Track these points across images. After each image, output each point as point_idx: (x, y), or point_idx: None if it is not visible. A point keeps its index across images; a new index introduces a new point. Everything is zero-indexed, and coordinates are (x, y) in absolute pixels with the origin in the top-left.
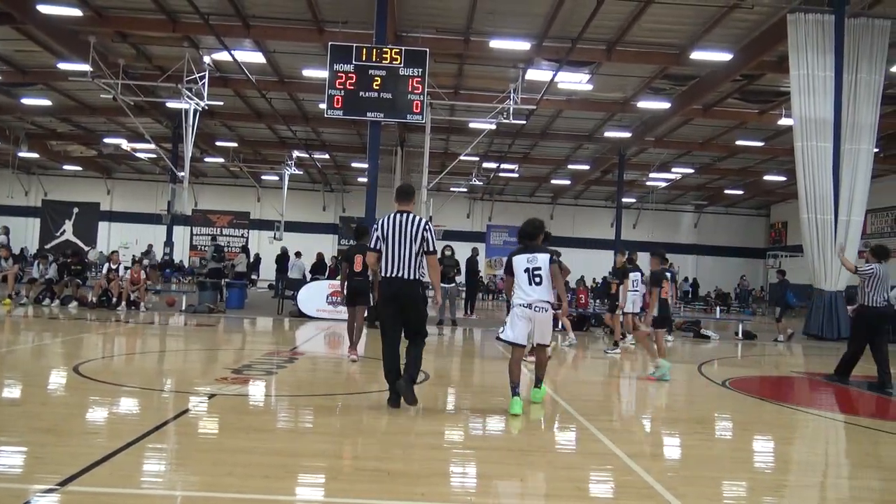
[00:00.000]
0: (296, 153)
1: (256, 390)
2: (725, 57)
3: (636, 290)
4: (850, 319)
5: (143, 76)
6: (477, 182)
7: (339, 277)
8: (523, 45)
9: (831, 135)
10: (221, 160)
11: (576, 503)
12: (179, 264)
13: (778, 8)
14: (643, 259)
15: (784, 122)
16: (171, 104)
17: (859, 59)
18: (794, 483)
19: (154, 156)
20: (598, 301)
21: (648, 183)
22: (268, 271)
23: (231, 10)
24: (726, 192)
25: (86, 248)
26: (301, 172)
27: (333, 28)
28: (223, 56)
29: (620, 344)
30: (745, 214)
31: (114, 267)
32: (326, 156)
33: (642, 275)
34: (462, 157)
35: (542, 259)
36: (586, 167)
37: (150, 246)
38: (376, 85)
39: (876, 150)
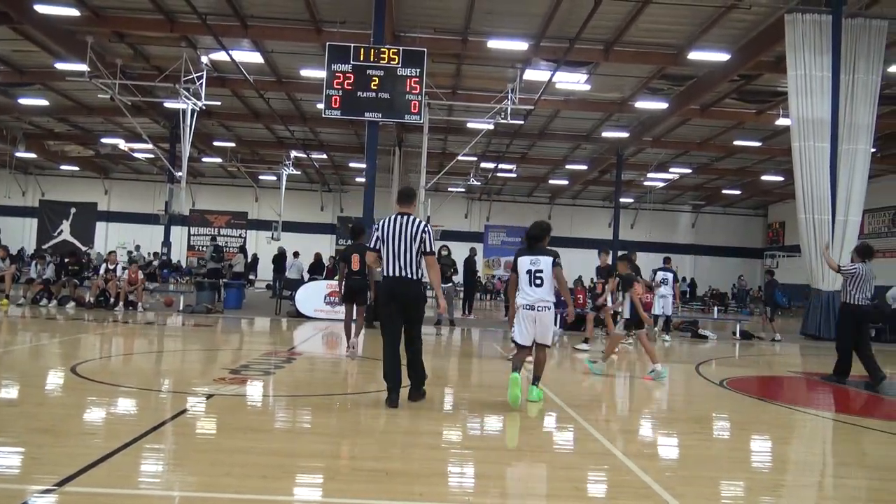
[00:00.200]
0: (293, 153)
1: (254, 390)
2: (723, 57)
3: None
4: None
5: (140, 76)
6: (475, 182)
7: (336, 277)
8: (521, 46)
9: (829, 135)
10: (219, 160)
11: (574, 503)
12: (177, 264)
13: (775, 8)
14: (640, 259)
15: (781, 122)
16: (168, 104)
17: (856, 60)
18: (792, 483)
19: (151, 156)
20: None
21: (646, 183)
22: (265, 271)
23: (229, 10)
24: (724, 192)
25: (84, 248)
26: (299, 172)
27: (331, 28)
28: (221, 56)
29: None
30: (743, 214)
31: (111, 267)
32: (324, 156)
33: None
34: (460, 158)
35: (545, 262)
36: (584, 167)
37: (138, 246)
38: (374, 85)
39: (873, 150)
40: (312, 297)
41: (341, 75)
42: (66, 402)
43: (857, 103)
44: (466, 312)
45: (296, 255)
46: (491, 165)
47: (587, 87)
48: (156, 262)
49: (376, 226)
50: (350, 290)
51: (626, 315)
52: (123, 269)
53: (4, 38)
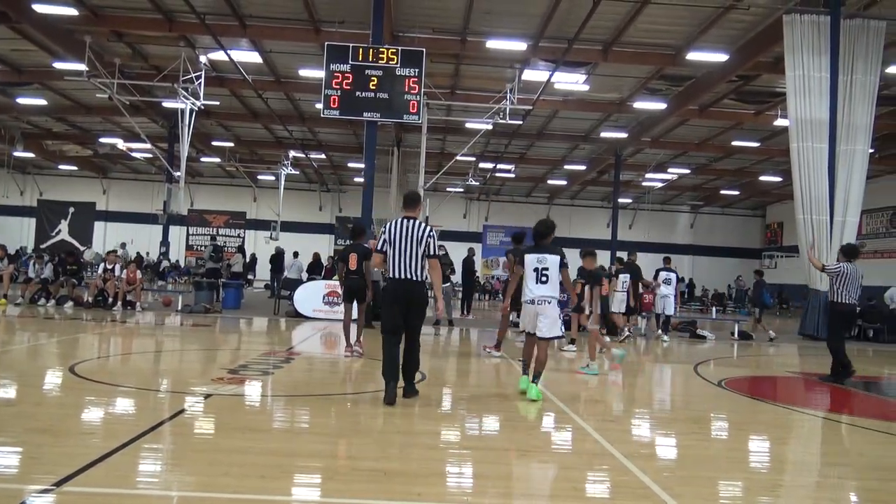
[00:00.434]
0: (292, 153)
1: (253, 390)
2: (721, 58)
3: (623, 291)
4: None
5: (139, 76)
6: (473, 182)
7: (335, 277)
8: (520, 46)
9: (827, 135)
10: (218, 160)
11: (572, 503)
12: (175, 264)
13: (774, 9)
14: (640, 260)
15: (780, 122)
16: (167, 104)
17: (855, 60)
18: (790, 483)
19: (150, 155)
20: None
21: (644, 183)
22: (264, 271)
23: (227, 9)
24: (722, 192)
25: (82, 248)
26: (297, 172)
27: (330, 28)
28: (219, 56)
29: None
30: (741, 215)
31: (109, 267)
32: (323, 156)
33: (632, 276)
34: (458, 158)
35: (552, 261)
36: (583, 167)
37: (124, 245)
38: (373, 85)
39: (871, 150)
40: (311, 297)
41: (340, 75)
42: (64, 402)
43: (855, 104)
44: (465, 313)
45: (295, 254)
46: (489, 165)
47: (586, 88)
48: (165, 263)
49: (383, 228)
50: (349, 290)
51: (598, 310)
52: (122, 268)
53: (3, 38)
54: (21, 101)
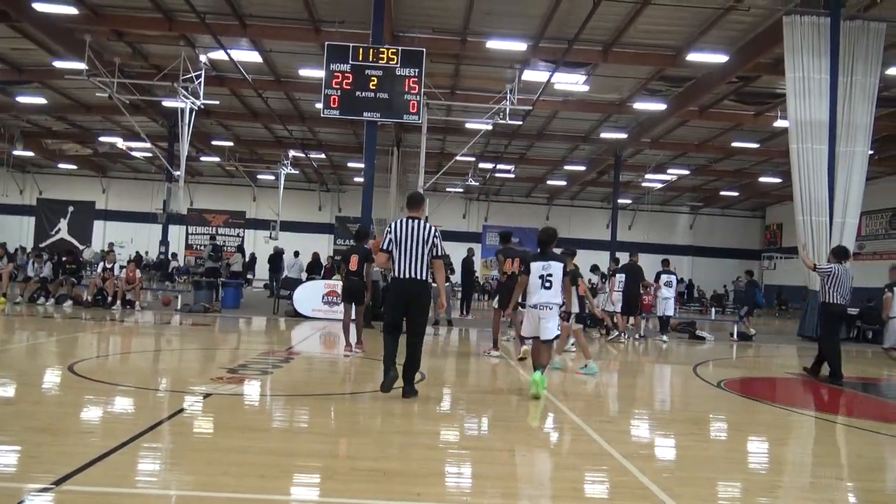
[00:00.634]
0: (292, 153)
1: (252, 390)
2: (721, 59)
3: (619, 291)
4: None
5: (139, 75)
6: (473, 182)
7: (335, 277)
8: (520, 46)
9: (826, 137)
10: (217, 159)
11: (572, 503)
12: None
13: (774, 10)
14: (642, 260)
15: (779, 124)
16: (167, 103)
17: (854, 62)
18: (789, 484)
19: (150, 155)
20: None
21: (644, 184)
22: (263, 271)
23: (228, 9)
24: (722, 193)
25: (80, 247)
26: (297, 172)
27: (330, 28)
28: (219, 55)
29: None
30: (741, 216)
31: (109, 266)
32: (322, 155)
33: (633, 277)
34: (458, 158)
35: (556, 267)
36: (582, 168)
37: (112, 244)
38: (373, 85)
39: (871, 152)
40: (310, 296)
41: (340, 75)
42: (63, 401)
43: (855, 105)
44: (464, 313)
45: (296, 254)
46: (489, 166)
47: (586, 88)
48: (174, 264)
49: (388, 228)
50: (348, 290)
51: (576, 309)
52: (121, 267)
53: (3, 36)
54: (21, 99)
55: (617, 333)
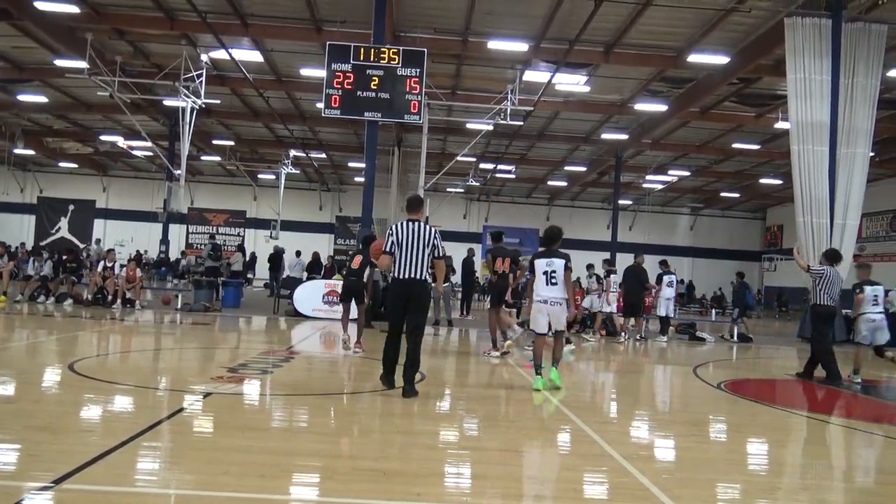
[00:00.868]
0: (293, 152)
1: (252, 389)
2: (723, 60)
3: (615, 291)
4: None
5: (140, 74)
6: (474, 183)
7: (335, 276)
8: (521, 46)
9: (827, 138)
10: (218, 158)
11: None
12: (175, 262)
13: (775, 12)
14: (649, 261)
15: (781, 125)
16: (168, 102)
17: (856, 64)
18: (789, 486)
19: (150, 153)
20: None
21: (645, 185)
22: (263, 270)
23: (229, 8)
24: (722, 194)
25: (82, 245)
26: (298, 172)
27: (331, 27)
28: (221, 54)
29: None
30: (741, 217)
31: (109, 265)
32: (323, 155)
33: (635, 278)
34: (459, 158)
35: (559, 264)
36: (583, 169)
37: (99, 241)
38: (374, 85)
39: (872, 154)
40: (311, 296)
41: (341, 75)
42: (63, 400)
43: (856, 107)
44: (464, 313)
45: (298, 254)
46: (490, 166)
47: (587, 89)
48: (184, 262)
49: (389, 231)
50: (346, 288)
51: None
52: (122, 266)
53: (4, 35)
54: (22, 98)
55: (621, 334)
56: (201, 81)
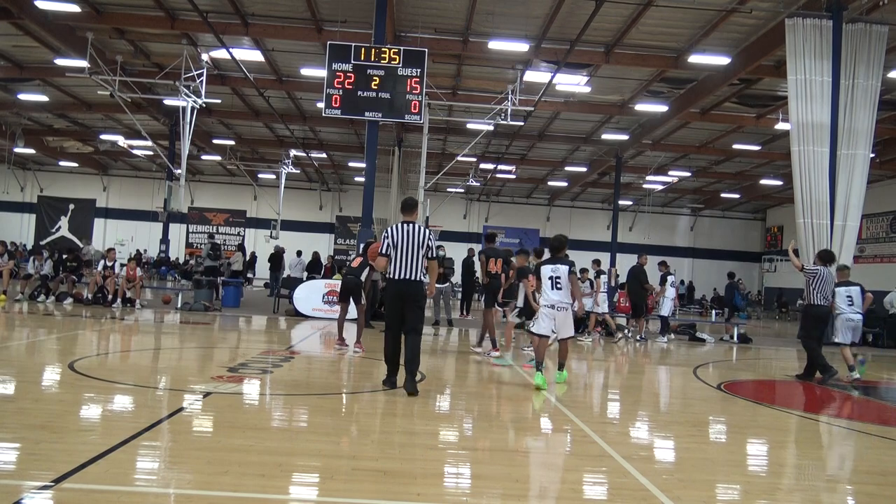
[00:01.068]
0: (293, 152)
1: (252, 389)
2: (723, 61)
3: (605, 292)
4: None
5: (140, 73)
6: (474, 183)
7: (335, 276)
8: (522, 47)
9: (828, 139)
10: (218, 158)
11: None
12: (175, 262)
13: (776, 13)
14: (652, 262)
15: (781, 126)
16: (168, 101)
17: (857, 65)
18: (788, 487)
19: (151, 153)
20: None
21: (645, 186)
22: (263, 270)
23: (230, 8)
24: (723, 195)
25: (81, 245)
26: (298, 171)
27: (332, 27)
28: (221, 54)
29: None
30: (742, 218)
31: (109, 264)
32: (324, 155)
33: (636, 278)
34: (459, 158)
35: (563, 270)
36: (583, 169)
37: (85, 240)
38: (374, 85)
39: (872, 155)
40: (311, 295)
41: (342, 74)
42: (63, 399)
43: (856, 108)
44: (464, 313)
45: (299, 253)
46: (490, 166)
47: (587, 90)
48: (192, 262)
49: (385, 233)
50: (344, 287)
51: (520, 304)
52: (122, 265)
53: (4, 34)
54: (22, 97)
55: (620, 336)
56: (202, 81)
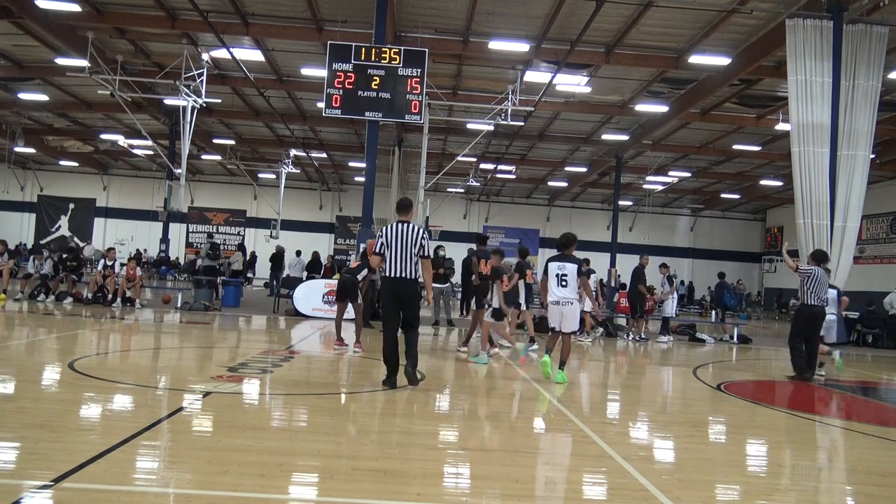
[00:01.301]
0: (293, 152)
1: (252, 388)
2: (724, 61)
3: (593, 291)
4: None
5: (141, 72)
6: (474, 183)
7: (335, 276)
8: (522, 47)
9: (828, 140)
10: (219, 158)
11: None
12: (175, 261)
13: (776, 13)
14: (654, 262)
15: (781, 126)
16: (168, 101)
17: (857, 66)
18: (788, 487)
19: (151, 152)
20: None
21: (645, 186)
22: (263, 269)
23: (230, 7)
24: (723, 196)
25: (81, 245)
26: (298, 171)
27: (332, 27)
28: (222, 53)
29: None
30: (742, 219)
31: (109, 263)
32: (324, 155)
33: (634, 279)
34: (459, 158)
35: (570, 268)
36: (583, 169)
37: (72, 238)
38: (375, 84)
39: (872, 156)
40: (310, 295)
41: (342, 74)
42: (62, 398)
43: (857, 109)
44: (464, 313)
45: (298, 253)
46: (490, 166)
47: (587, 90)
48: (199, 261)
49: (380, 233)
50: (341, 286)
51: (495, 304)
52: (122, 265)
53: (5, 33)
54: (22, 96)
55: (625, 334)
56: (202, 80)
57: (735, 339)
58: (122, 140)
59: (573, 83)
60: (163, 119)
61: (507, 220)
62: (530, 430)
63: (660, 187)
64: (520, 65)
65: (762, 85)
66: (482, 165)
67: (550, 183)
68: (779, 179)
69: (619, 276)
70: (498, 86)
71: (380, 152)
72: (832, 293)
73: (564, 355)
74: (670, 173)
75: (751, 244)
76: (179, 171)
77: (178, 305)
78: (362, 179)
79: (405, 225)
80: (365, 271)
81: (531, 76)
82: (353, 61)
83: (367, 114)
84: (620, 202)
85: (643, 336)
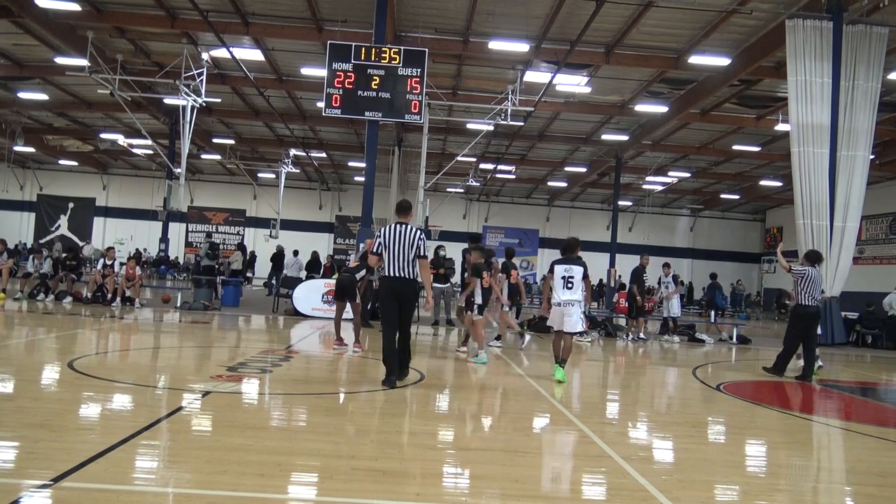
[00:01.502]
0: (293, 151)
1: (251, 388)
2: (723, 62)
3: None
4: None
5: (140, 72)
6: (474, 183)
7: (334, 276)
8: (522, 47)
9: (828, 141)
10: (218, 157)
11: None
12: (175, 261)
13: (776, 14)
14: (655, 263)
15: (781, 127)
16: (168, 100)
17: (857, 66)
18: (787, 487)
19: (151, 152)
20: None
21: (645, 186)
22: (263, 269)
23: (230, 7)
24: (722, 196)
25: (80, 244)
26: (298, 171)
27: (332, 27)
28: (222, 53)
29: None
30: (741, 219)
31: (109, 263)
32: (323, 154)
33: (633, 279)
34: (459, 158)
35: (577, 270)
36: (583, 170)
37: (60, 237)
38: (375, 84)
39: (872, 156)
40: (310, 295)
41: (342, 74)
42: (62, 398)
43: (856, 109)
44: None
45: (295, 253)
46: (490, 166)
47: (587, 90)
48: (206, 260)
49: (378, 233)
50: (339, 285)
51: (479, 301)
52: (121, 264)
53: (5, 32)
54: (22, 95)
55: (625, 334)
56: (202, 80)
57: (734, 339)
58: (121, 139)
59: (573, 83)
60: (162, 118)
61: (507, 220)
62: (530, 430)
63: (659, 187)
64: (520, 65)
65: (762, 85)
66: (482, 165)
67: (550, 183)
68: (778, 180)
69: (619, 276)
70: (498, 86)
71: (379, 152)
72: None
73: (566, 354)
74: (670, 173)
75: (750, 244)
76: (179, 170)
77: (178, 305)
78: (362, 179)
79: (403, 226)
80: (363, 271)
81: (531, 76)
82: (352, 61)
83: (366, 113)
84: (620, 202)
85: (642, 336)
